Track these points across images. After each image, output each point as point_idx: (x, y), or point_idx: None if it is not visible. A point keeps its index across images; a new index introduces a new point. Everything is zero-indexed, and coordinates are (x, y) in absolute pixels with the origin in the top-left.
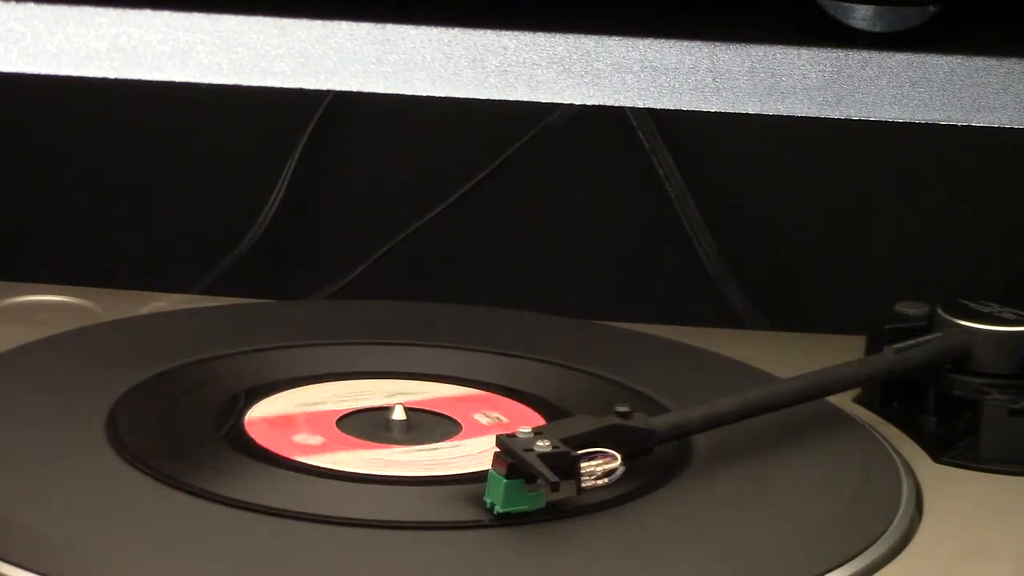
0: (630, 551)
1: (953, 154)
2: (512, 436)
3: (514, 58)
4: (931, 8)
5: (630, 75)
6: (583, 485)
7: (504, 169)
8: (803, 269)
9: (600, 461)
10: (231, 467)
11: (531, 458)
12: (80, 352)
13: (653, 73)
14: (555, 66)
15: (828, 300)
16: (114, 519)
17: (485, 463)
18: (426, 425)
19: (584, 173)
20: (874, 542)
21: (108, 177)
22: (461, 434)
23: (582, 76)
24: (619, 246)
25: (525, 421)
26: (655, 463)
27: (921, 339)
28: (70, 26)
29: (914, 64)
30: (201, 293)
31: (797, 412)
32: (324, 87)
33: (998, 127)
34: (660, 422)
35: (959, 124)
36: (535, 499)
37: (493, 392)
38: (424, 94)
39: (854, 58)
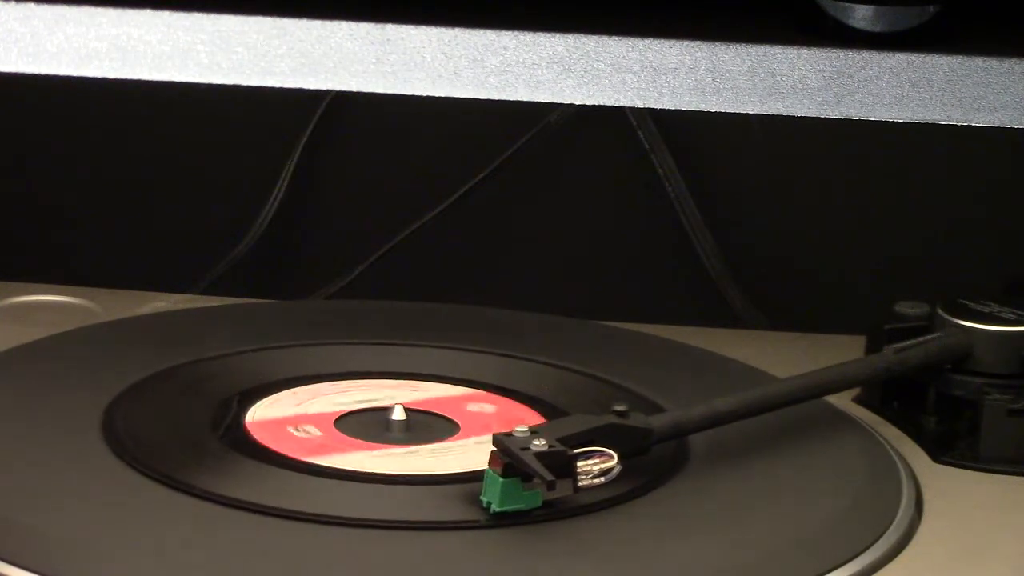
0: (627, 551)
1: (953, 154)
2: (509, 435)
3: (514, 58)
4: (931, 8)
5: (630, 75)
6: (579, 484)
7: (504, 169)
8: (803, 269)
9: (597, 460)
10: (229, 467)
11: (527, 457)
12: (80, 352)
13: (653, 73)
14: (555, 66)
15: (828, 300)
16: (112, 519)
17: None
18: (425, 425)
19: (584, 173)
20: (874, 542)
21: (108, 177)
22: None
23: (582, 76)
24: (619, 246)
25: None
26: (653, 463)
27: (921, 339)
28: (70, 26)
29: (914, 64)
30: (201, 293)
31: (797, 412)
32: (324, 87)
33: (998, 127)
34: (658, 421)
35: (959, 124)
36: (532, 498)
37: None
38: (424, 94)
39: (854, 58)
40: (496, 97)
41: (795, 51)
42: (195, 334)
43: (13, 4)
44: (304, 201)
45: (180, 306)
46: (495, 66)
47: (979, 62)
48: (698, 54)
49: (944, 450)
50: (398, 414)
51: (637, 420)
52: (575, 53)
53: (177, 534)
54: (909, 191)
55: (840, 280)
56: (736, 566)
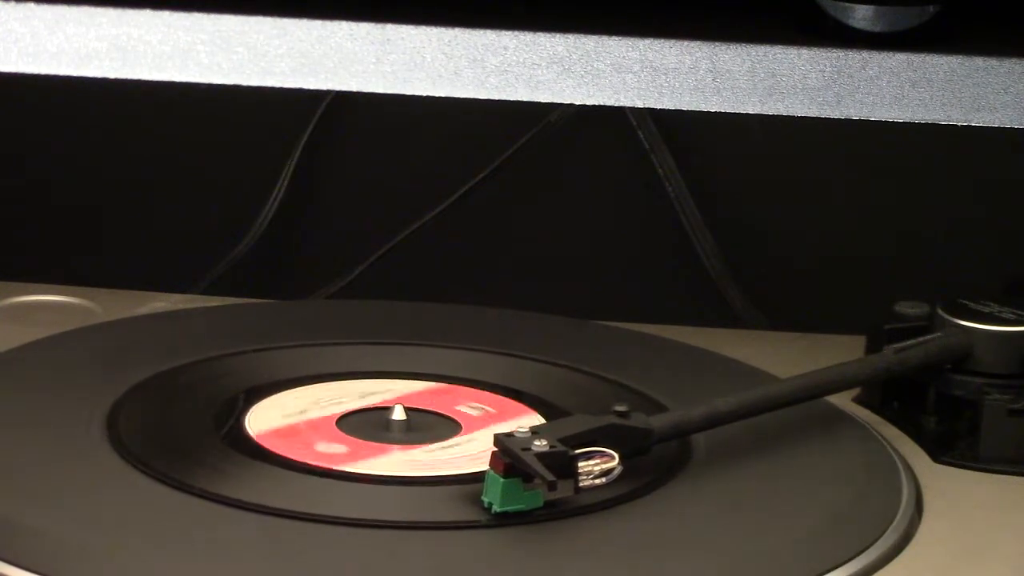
0: (628, 551)
1: (953, 154)
2: (510, 435)
3: (514, 58)
4: (931, 8)
5: (630, 75)
6: (580, 484)
7: (504, 169)
8: (803, 269)
9: (598, 461)
10: (230, 467)
11: (528, 457)
12: (80, 352)
13: (653, 73)
14: (555, 66)
15: (828, 300)
16: (114, 519)
17: (483, 463)
18: (426, 425)
19: (584, 173)
20: (874, 542)
21: (108, 177)
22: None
23: (582, 76)
24: (619, 246)
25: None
26: (654, 463)
27: (921, 339)
28: (70, 26)
29: (914, 64)
30: (201, 293)
31: (797, 412)
32: (324, 87)
33: (998, 127)
34: (658, 422)
35: (959, 124)
36: (532, 498)
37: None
38: (424, 94)
39: (854, 58)
40: (496, 97)
41: (795, 51)
42: (195, 334)
43: (13, 4)
44: (304, 201)
45: (180, 306)
46: (495, 66)
47: (979, 62)
48: (698, 54)
49: (944, 450)
50: (398, 414)
51: (638, 420)
52: (575, 53)
53: (178, 534)
54: (909, 191)
55: (840, 280)
56: (736, 566)
